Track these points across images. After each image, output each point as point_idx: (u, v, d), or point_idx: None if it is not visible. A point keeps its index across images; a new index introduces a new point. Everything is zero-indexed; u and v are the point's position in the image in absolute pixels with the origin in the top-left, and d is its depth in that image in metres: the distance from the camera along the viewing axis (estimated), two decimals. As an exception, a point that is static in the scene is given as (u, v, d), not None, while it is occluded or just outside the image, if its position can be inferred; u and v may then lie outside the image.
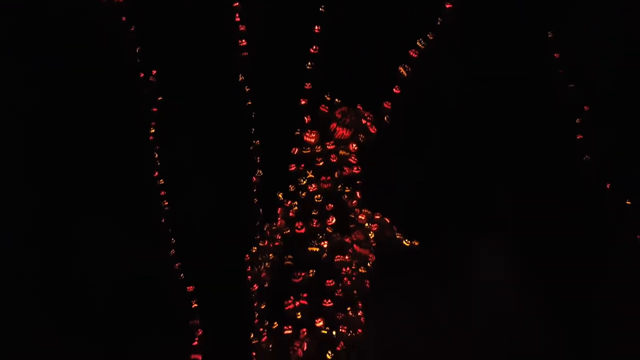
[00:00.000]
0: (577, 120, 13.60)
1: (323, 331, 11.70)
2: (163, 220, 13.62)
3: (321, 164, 13.75)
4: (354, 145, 13.93)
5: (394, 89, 14.02)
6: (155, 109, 14.39)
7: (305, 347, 11.54)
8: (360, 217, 13.28)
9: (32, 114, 13.65)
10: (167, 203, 13.83)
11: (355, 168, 13.67)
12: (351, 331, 11.73)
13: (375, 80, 14.09)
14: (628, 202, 12.60)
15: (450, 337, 11.53)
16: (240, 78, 14.55)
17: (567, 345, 11.44)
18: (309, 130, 14.05)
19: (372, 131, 14.08)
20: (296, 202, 13.53)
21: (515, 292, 11.74)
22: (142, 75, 14.41)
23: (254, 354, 12.00)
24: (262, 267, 13.06)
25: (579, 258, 12.28)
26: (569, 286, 12.04)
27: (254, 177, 14.08)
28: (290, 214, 13.48)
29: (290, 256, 12.80)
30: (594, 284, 12.01)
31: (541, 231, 12.47)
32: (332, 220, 13.09)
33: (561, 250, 12.39)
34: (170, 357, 12.01)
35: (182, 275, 13.07)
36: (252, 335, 12.21)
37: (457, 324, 11.61)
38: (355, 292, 12.25)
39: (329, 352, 11.43)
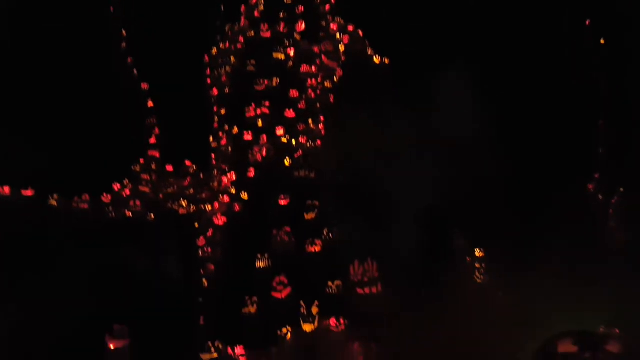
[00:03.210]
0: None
1: (283, 139, 12.64)
2: (112, 9, 13.28)
3: (293, -44, 13.40)
4: None
5: None
6: None
7: (264, 153, 12.55)
8: (332, 26, 13.43)
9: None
10: (115, -11, 13.35)
11: (331, -34, 13.45)
12: (310, 142, 12.73)
13: None
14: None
15: (407, 158, 12.60)
16: None
17: (516, 169, 12.82)
18: None
19: None
20: (262, 1, 13.43)
21: (473, 119, 12.64)
22: None
23: (213, 155, 12.97)
24: (223, 70, 13.37)
25: (541, 88, 13.08)
26: (528, 120, 13.05)
27: (216, -32, 13.65)
28: (255, 13, 13.44)
29: (253, 61, 13.09)
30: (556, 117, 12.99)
31: (506, 64, 13.06)
32: (302, 26, 13.22)
33: (524, 85, 13.10)
34: (128, 153, 12.75)
35: (135, 71, 13.24)
36: (211, 139, 13.02)
37: (414, 147, 12.58)
38: (318, 105, 12.95)
39: (287, 159, 12.51)
